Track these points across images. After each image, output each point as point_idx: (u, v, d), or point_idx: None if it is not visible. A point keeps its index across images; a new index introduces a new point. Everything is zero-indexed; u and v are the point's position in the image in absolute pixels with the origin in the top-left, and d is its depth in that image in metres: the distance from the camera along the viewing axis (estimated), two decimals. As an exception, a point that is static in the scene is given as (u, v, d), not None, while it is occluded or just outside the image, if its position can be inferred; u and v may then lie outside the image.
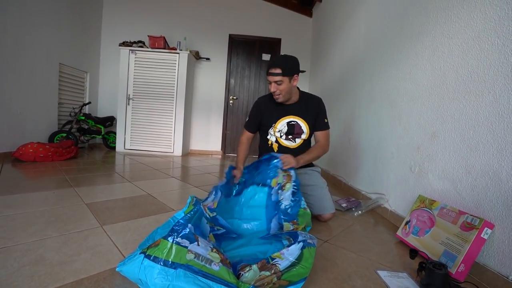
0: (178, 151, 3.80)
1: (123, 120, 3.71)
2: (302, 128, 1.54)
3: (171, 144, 3.79)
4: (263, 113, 1.60)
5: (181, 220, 0.84)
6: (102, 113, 4.15)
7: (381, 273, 0.98)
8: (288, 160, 1.37)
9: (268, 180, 1.38)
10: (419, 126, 1.42)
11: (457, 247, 1.00)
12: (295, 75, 1.46)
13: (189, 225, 0.81)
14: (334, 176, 2.64)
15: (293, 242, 0.91)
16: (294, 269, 0.81)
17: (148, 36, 3.70)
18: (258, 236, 1.18)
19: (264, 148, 1.64)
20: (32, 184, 1.86)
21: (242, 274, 0.80)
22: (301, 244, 0.88)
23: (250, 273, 0.80)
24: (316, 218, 1.50)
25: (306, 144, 1.59)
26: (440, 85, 1.29)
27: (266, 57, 4.33)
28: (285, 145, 1.57)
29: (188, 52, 3.71)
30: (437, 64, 1.32)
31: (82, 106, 3.63)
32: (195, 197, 1.08)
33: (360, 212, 1.69)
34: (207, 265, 0.75)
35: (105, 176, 2.26)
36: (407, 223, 1.30)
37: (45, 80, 3.15)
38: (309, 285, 0.87)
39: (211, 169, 3.03)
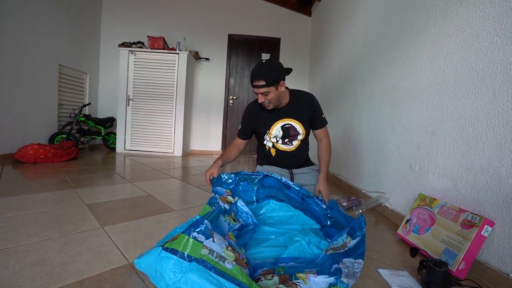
0: (178, 151, 3.79)
1: (123, 120, 3.71)
2: (297, 129, 1.51)
3: (171, 145, 3.79)
4: (255, 121, 1.56)
5: (198, 217, 0.86)
6: (102, 114, 4.15)
7: (382, 272, 0.98)
8: (326, 195, 1.38)
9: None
10: (419, 125, 1.42)
11: (458, 245, 1.01)
12: (281, 81, 1.39)
13: (206, 221, 0.83)
14: (334, 175, 2.64)
15: (352, 239, 0.94)
16: None
17: (148, 36, 3.70)
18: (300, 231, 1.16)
19: (262, 151, 1.63)
20: (33, 186, 1.86)
21: (263, 280, 0.80)
22: (332, 279, 0.78)
23: (270, 282, 0.79)
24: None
25: (303, 145, 1.58)
26: (439, 83, 1.29)
27: (265, 56, 4.33)
28: (282, 149, 1.54)
29: (188, 52, 3.71)
30: (436, 62, 1.32)
31: (82, 107, 3.63)
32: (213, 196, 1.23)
33: (360, 210, 1.69)
34: (220, 262, 0.76)
35: (106, 177, 2.26)
36: (407, 221, 1.30)
37: (45, 82, 3.15)
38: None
39: (212, 169, 3.03)
